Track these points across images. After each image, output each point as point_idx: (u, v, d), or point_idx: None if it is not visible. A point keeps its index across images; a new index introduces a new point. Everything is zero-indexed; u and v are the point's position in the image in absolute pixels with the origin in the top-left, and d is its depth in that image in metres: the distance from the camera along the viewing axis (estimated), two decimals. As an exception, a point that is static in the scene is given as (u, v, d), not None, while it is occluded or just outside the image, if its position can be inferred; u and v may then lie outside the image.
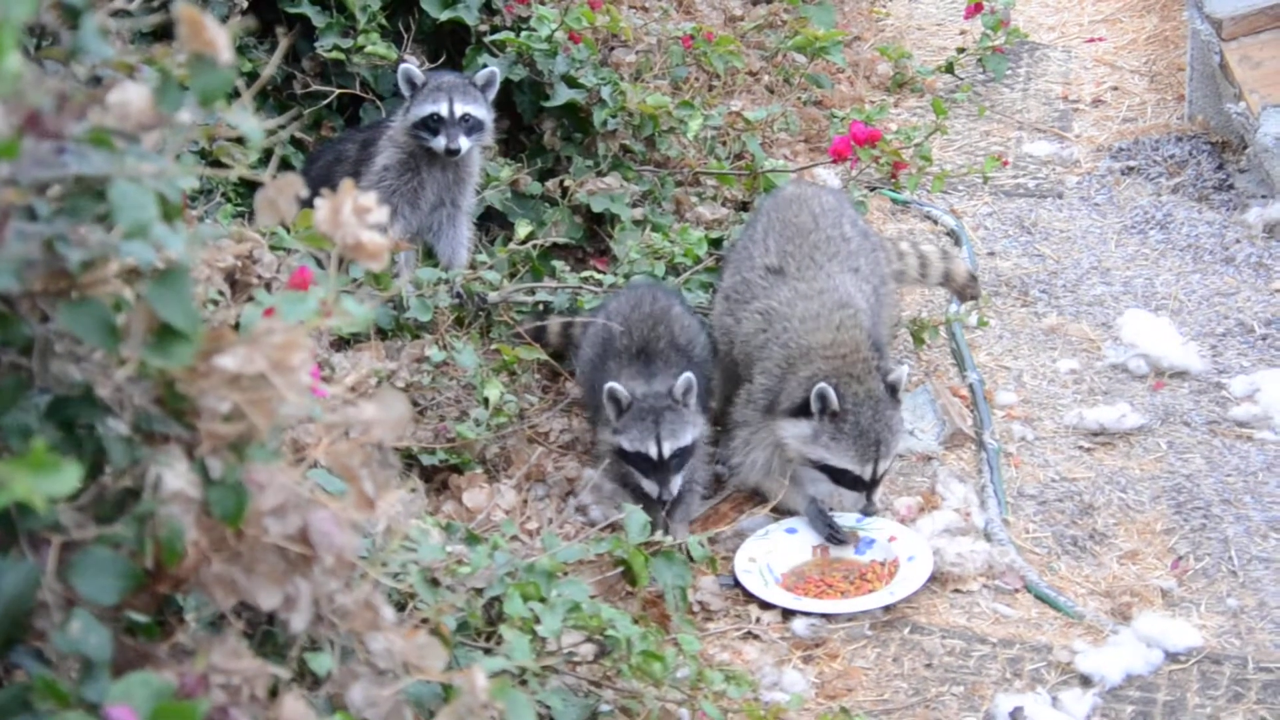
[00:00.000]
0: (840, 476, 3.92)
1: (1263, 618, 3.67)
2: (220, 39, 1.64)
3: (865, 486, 3.92)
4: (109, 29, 1.74)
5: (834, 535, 3.96)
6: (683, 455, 3.91)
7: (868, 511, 3.96)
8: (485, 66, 4.88)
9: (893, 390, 3.92)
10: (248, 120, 1.76)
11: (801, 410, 3.91)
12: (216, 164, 3.07)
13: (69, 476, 1.50)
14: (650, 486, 3.88)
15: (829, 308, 4.04)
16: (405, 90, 4.41)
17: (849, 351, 3.93)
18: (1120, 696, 3.42)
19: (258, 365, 1.73)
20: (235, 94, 1.91)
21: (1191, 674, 3.48)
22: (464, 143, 4.37)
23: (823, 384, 3.83)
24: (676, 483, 3.90)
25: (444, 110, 4.36)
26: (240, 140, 3.79)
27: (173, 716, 1.64)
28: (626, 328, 4.11)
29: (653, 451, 3.87)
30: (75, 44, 1.71)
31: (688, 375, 3.91)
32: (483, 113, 4.43)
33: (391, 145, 4.47)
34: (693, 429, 3.93)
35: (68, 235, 1.68)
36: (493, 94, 4.49)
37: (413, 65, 4.45)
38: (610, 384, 3.89)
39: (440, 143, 4.36)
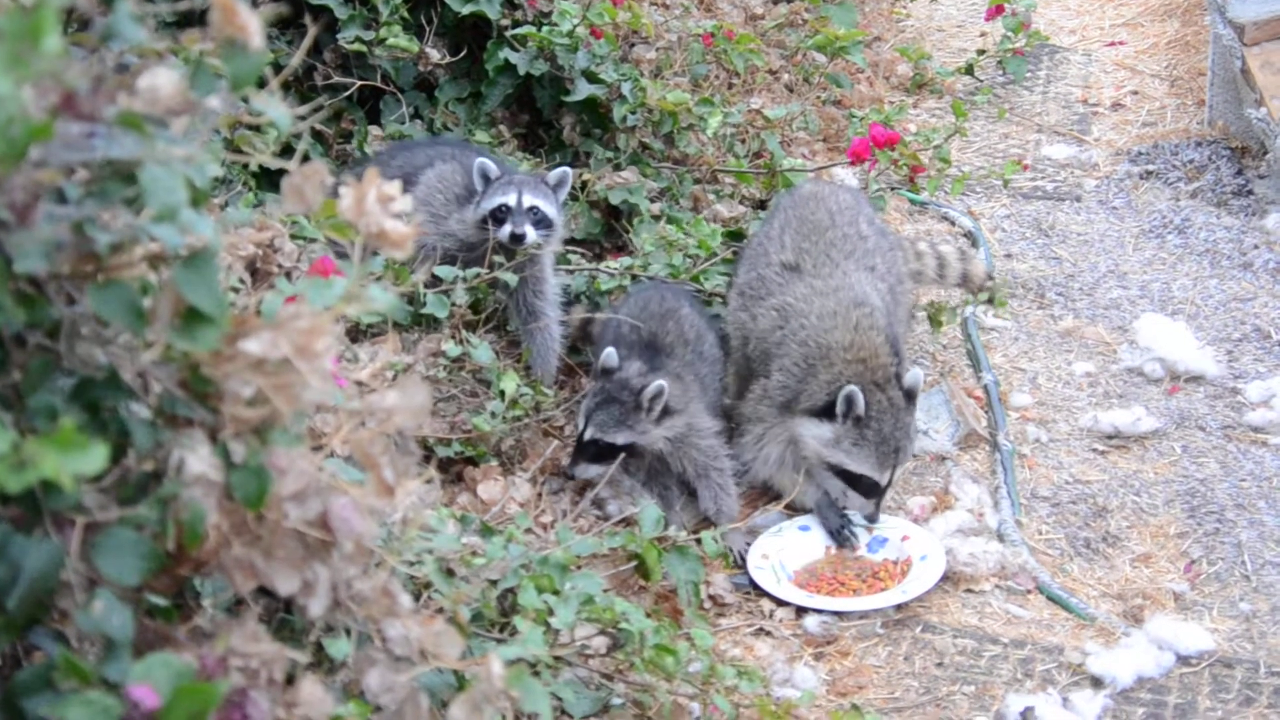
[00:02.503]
0: (856, 481, 3.93)
1: (1275, 622, 3.67)
2: (252, 24, 1.65)
3: (878, 493, 3.94)
4: (140, 15, 1.76)
5: (843, 530, 3.96)
6: (600, 448, 3.89)
7: (871, 519, 3.97)
8: (510, 67, 4.89)
9: (910, 396, 3.93)
10: (276, 107, 1.77)
11: (823, 412, 3.91)
12: (237, 152, 3.09)
13: (97, 456, 1.51)
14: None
15: (845, 305, 4.04)
16: (479, 185, 4.29)
17: (869, 355, 3.93)
18: (1131, 698, 3.42)
19: (282, 350, 1.74)
20: (262, 82, 1.93)
21: (1203, 677, 3.48)
22: (530, 232, 4.21)
23: (851, 387, 3.83)
24: (587, 469, 3.91)
25: (512, 200, 4.22)
26: (259, 129, 3.81)
27: (193, 697, 1.66)
28: (636, 326, 4.13)
29: (580, 425, 3.93)
30: (108, 28, 1.72)
31: (659, 384, 3.89)
32: (552, 210, 4.30)
33: (459, 225, 4.35)
34: (630, 432, 3.90)
35: (96, 218, 1.69)
36: (564, 194, 4.38)
37: (489, 161, 4.32)
38: (608, 349, 3.94)
39: (505, 230, 4.21)
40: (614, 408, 3.89)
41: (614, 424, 3.89)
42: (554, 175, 4.36)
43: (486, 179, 4.29)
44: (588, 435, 3.89)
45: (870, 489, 3.93)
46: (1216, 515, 4.06)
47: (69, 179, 1.70)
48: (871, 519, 3.97)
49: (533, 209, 4.24)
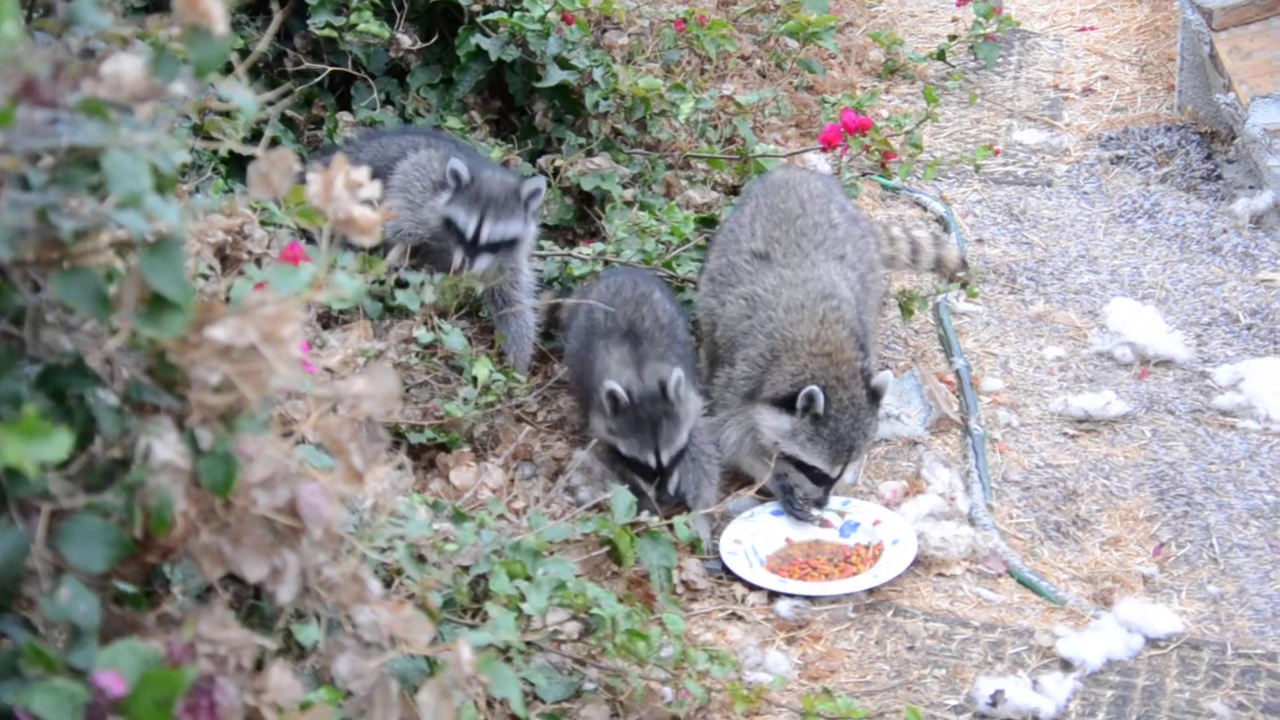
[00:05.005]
0: (808, 470, 3.97)
1: (1242, 605, 3.70)
2: (215, 10, 1.64)
3: (827, 483, 3.97)
4: (104, 0, 1.75)
5: (794, 509, 3.97)
6: (680, 456, 3.92)
7: (819, 504, 3.99)
8: (482, 52, 4.87)
9: (874, 396, 3.95)
10: (241, 92, 1.76)
11: (784, 403, 3.94)
12: (207, 138, 3.08)
13: (60, 443, 1.51)
14: (648, 487, 3.90)
15: (813, 298, 4.05)
16: (450, 182, 4.26)
17: (834, 350, 3.95)
18: (1100, 681, 3.44)
19: (249, 337, 1.74)
20: (229, 68, 1.92)
21: (1171, 659, 3.51)
22: (484, 259, 4.22)
23: (813, 388, 3.86)
24: (674, 483, 3.91)
25: (471, 229, 4.21)
26: (228, 115, 3.80)
27: (160, 684, 1.65)
28: (610, 312, 4.12)
29: (651, 461, 3.89)
30: (70, 14, 1.71)
31: (678, 371, 3.89)
32: (517, 227, 4.26)
33: (433, 214, 4.33)
34: (687, 426, 3.92)
35: (61, 205, 1.69)
36: (535, 205, 4.33)
37: (460, 165, 4.25)
38: (610, 384, 3.86)
39: (459, 258, 4.21)
40: (665, 422, 3.88)
41: (675, 432, 3.89)
42: (527, 188, 4.29)
43: (458, 180, 4.26)
44: (666, 460, 3.88)
45: (820, 478, 3.97)
46: (1185, 498, 4.08)
47: (33, 166, 1.69)
48: (819, 504, 4.00)
49: (489, 242, 4.22)
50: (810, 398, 3.87)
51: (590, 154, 4.95)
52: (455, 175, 4.26)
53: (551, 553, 3.22)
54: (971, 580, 3.81)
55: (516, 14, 4.88)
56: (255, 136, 3.86)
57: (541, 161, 4.90)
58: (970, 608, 3.72)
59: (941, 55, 6.58)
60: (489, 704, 2.79)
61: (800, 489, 4.00)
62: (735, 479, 4.21)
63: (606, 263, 4.56)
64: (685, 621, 3.44)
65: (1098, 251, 5.30)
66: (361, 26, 4.80)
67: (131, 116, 1.72)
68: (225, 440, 1.83)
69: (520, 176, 4.44)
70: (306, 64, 4.86)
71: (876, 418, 4.01)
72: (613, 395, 3.86)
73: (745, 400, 4.05)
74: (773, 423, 3.97)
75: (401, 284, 4.08)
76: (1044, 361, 4.72)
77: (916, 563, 3.82)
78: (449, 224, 4.25)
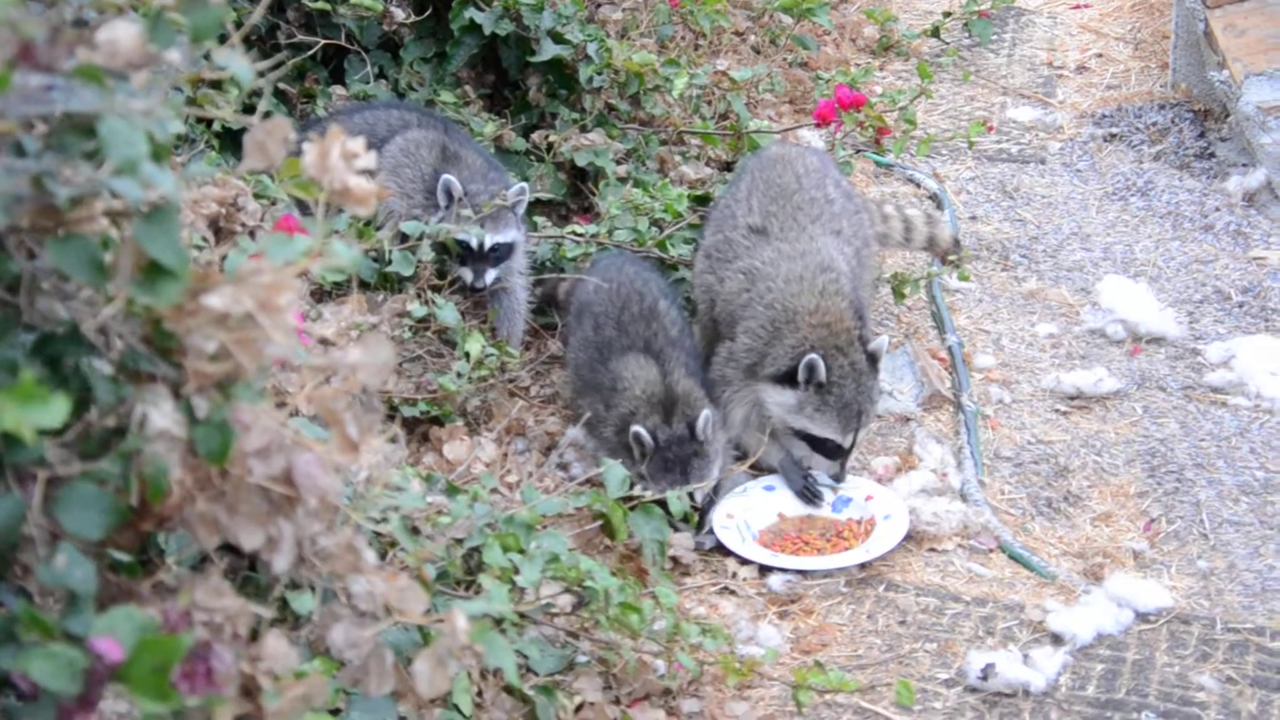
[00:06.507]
0: (820, 445, 3.96)
1: (1232, 580, 3.71)
2: (211, -23, 1.64)
3: (842, 454, 3.97)
4: (98, -33, 1.74)
5: (808, 489, 3.98)
6: (715, 494, 3.91)
7: (838, 479, 4.00)
8: (476, 26, 4.85)
9: (873, 360, 3.96)
10: (238, 61, 1.76)
11: (786, 378, 3.93)
12: (200, 111, 3.07)
13: (57, 409, 1.51)
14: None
15: (812, 270, 4.05)
16: (441, 200, 4.23)
17: (833, 320, 3.95)
18: (1090, 655, 3.46)
19: (245, 305, 1.74)
20: (223, 39, 1.91)
21: (1161, 634, 3.52)
22: (490, 277, 4.23)
23: (813, 355, 3.85)
24: (710, 520, 3.90)
25: (473, 242, 4.19)
26: (220, 86, 3.78)
27: (157, 650, 1.66)
28: (620, 328, 4.08)
29: (700, 500, 3.87)
30: (65, -20, 1.71)
31: (707, 413, 3.86)
32: (513, 233, 4.27)
33: (421, 212, 4.29)
34: (717, 464, 3.90)
35: (56, 172, 1.68)
36: (523, 207, 4.33)
37: (454, 180, 4.22)
38: (636, 429, 3.81)
39: (467, 276, 4.23)
40: (696, 462, 3.84)
41: (707, 470, 3.85)
42: (513, 193, 4.27)
43: (450, 196, 4.22)
44: (700, 500, 3.85)
45: (834, 451, 3.96)
46: (1176, 475, 4.10)
47: (28, 132, 1.68)
48: (838, 479, 4.00)
49: (494, 248, 4.23)
50: (811, 367, 3.86)
51: (584, 129, 4.94)
52: (448, 189, 4.23)
53: (544, 526, 3.23)
54: (963, 555, 3.83)
55: (511, -12, 4.87)
56: (248, 110, 3.86)
57: (535, 136, 4.89)
58: (961, 582, 3.73)
59: (936, 32, 6.57)
60: (483, 675, 2.81)
61: (815, 469, 4.00)
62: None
63: (600, 245, 4.53)
64: (678, 595, 3.45)
65: (1090, 229, 5.30)
66: (355, 0, 4.79)
67: (127, 83, 1.72)
68: (221, 408, 1.83)
69: (501, 171, 4.43)
70: (300, 37, 4.85)
71: (878, 382, 4.01)
72: (638, 439, 3.82)
73: (747, 374, 4.04)
74: (778, 398, 3.96)
75: (402, 239, 4.07)
76: (1036, 338, 4.72)
77: (908, 538, 3.83)
78: (451, 242, 4.19)
